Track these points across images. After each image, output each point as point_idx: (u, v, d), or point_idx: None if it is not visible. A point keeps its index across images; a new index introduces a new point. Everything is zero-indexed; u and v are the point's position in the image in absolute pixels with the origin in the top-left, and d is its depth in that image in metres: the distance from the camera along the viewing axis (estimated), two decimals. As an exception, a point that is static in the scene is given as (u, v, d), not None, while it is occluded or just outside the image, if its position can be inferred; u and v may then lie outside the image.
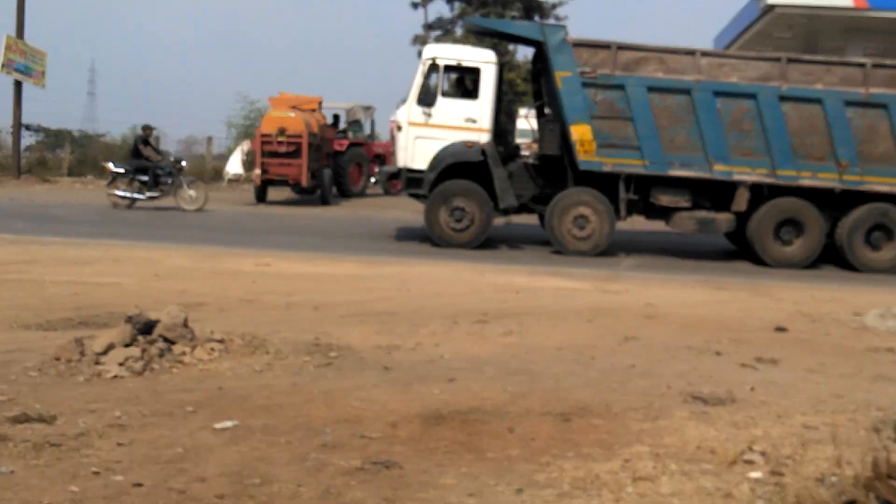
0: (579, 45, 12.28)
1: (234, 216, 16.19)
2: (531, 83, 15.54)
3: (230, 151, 24.41)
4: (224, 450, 3.78)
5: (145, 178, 16.12)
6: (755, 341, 6.75)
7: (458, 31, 26.79)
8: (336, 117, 22.24)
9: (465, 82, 13.22)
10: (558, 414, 4.47)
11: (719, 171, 12.25)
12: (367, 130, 23.04)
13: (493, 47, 16.74)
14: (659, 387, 5.11)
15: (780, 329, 7.30)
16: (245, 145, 21.91)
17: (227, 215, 16.08)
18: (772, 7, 19.18)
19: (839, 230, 12.40)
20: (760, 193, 12.37)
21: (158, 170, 16.20)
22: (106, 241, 11.29)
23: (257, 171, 18.81)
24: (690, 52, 12.23)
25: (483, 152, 12.47)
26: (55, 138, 28.70)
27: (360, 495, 3.36)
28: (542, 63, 13.17)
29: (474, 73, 12.78)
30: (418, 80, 12.63)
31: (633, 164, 12.31)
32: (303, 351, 5.62)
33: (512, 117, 20.78)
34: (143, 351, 5.13)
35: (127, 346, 5.15)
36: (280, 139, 18.18)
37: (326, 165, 19.74)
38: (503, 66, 14.84)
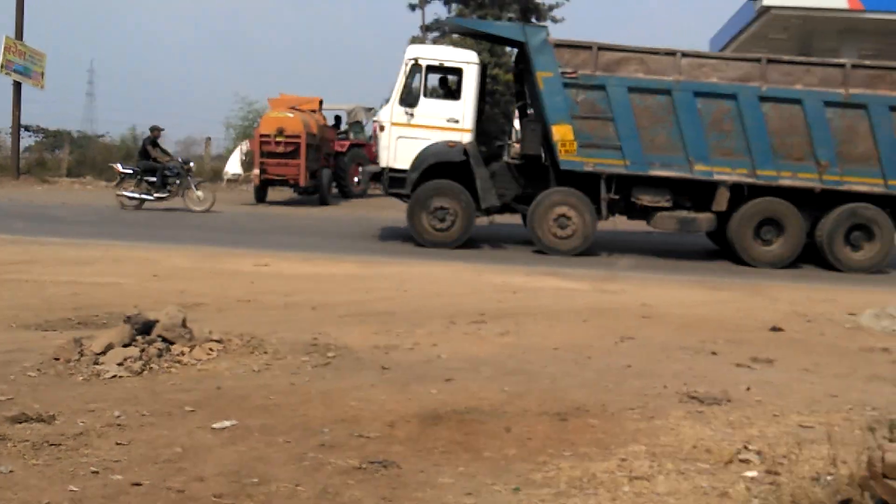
0: (560, 45, 12.33)
1: (234, 216, 16.20)
2: (514, 83, 15.60)
3: (229, 152, 24.40)
4: (222, 449, 3.80)
5: (153, 178, 16.13)
6: (751, 341, 6.77)
7: (456, 34, 26.79)
8: (337, 118, 22.30)
9: (447, 83, 13.28)
10: (555, 414, 4.49)
11: (700, 171, 12.29)
12: (368, 131, 23.06)
13: (489, 50, 16.74)
14: (655, 386, 5.14)
15: (776, 329, 7.32)
16: (244, 145, 21.90)
17: (226, 215, 16.08)
18: (767, 9, 19.24)
19: (819, 230, 12.44)
20: (741, 193, 12.40)
21: (166, 171, 16.20)
22: (105, 241, 11.29)
23: (256, 172, 18.84)
24: (671, 53, 12.26)
25: (465, 152, 12.52)
26: (54, 139, 28.68)
27: (357, 494, 3.38)
28: (524, 63, 13.22)
29: (457, 73, 12.85)
30: (401, 81, 12.67)
31: (614, 164, 12.36)
32: (301, 351, 5.63)
33: (509, 117, 20.79)
34: (142, 351, 5.15)
35: (126, 346, 5.16)
36: (278, 139, 18.20)
37: (326, 166, 19.76)
38: (486, 67, 14.88)
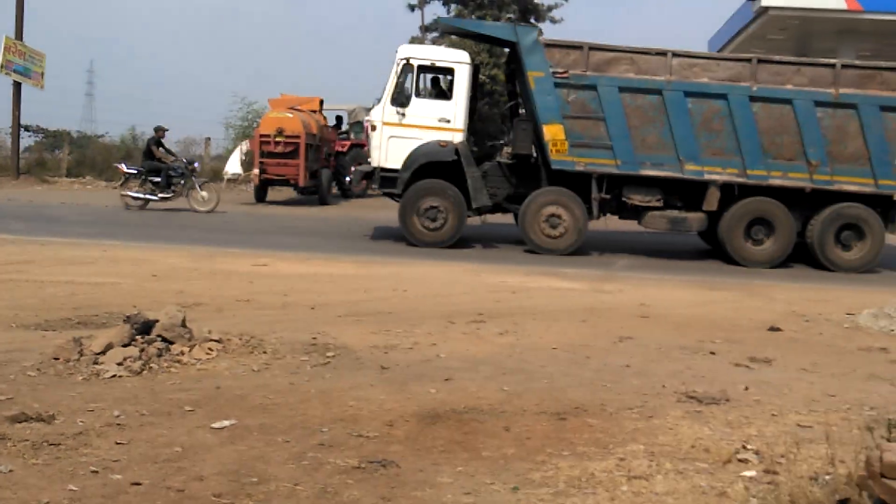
0: (551, 45, 12.37)
1: (233, 216, 16.18)
2: (506, 83, 15.60)
3: (228, 152, 24.41)
4: (222, 449, 3.81)
5: (158, 179, 16.12)
6: (749, 341, 6.79)
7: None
8: (339, 118, 22.32)
9: (439, 83, 13.29)
10: (553, 413, 4.51)
11: (690, 170, 12.31)
12: (369, 131, 23.08)
13: (488, 51, 16.72)
14: (653, 386, 5.15)
15: (774, 329, 7.34)
16: (244, 145, 21.90)
17: (225, 215, 16.06)
18: (766, 9, 19.24)
19: (810, 229, 12.45)
20: (731, 193, 12.42)
21: (171, 171, 16.18)
22: (104, 241, 11.29)
23: (255, 171, 18.84)
24: (662, 53, 12.27)
25: (456, 152, 12.54)
26: (54, 139, 28.65)
27: (356, 494, 3.39)
28: (515, 63, 13.26)
29: (448, 73, 12.86)
30: (392, 80, 12.68)
31: (605, 164, 12.38)
32: (300, 351, 5.64)
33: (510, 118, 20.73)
34: (142, 351, 5.16)
35: (125, 345, 5.17)
36: (278, 139, 18.20)
37: (326, 166, 19.76)
38: (479, 67, 14.88)
